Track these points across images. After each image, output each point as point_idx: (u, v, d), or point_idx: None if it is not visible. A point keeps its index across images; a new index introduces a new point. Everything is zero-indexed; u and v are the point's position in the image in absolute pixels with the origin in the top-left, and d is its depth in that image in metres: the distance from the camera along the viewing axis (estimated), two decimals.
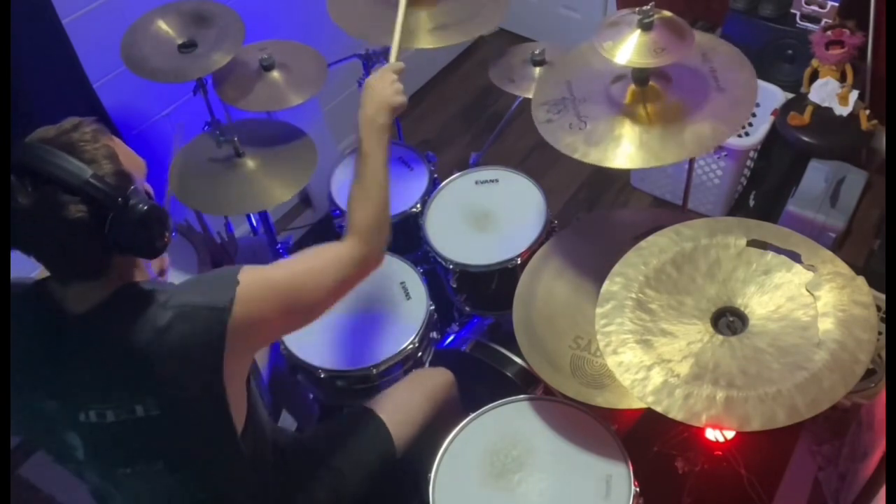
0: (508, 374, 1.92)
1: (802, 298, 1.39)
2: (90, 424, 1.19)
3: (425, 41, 2.01)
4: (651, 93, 1.67)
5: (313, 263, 1.34)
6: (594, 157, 1.60)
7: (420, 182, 2.22)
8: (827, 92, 2.34)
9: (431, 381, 1.80)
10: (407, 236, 2.17)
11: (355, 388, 1.82)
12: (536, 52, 2.17)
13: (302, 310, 1.30)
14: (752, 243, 1.48)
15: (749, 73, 1.68)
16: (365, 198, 1.40)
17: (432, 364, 1.94)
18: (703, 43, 1.75)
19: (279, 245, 2.39)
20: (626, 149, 1.60)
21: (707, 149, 1.62)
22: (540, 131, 1.67)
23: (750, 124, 2.67)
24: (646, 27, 1.57)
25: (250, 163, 2.03)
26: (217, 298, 1.17)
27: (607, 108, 1.68)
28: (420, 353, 1.89)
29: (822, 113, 2.33)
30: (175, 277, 1.92)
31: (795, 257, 1.44)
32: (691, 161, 1.92)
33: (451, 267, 2.01)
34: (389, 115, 1.47)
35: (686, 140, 1.58)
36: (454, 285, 2.06)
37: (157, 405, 1.16)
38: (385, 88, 1.48)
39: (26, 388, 1.19)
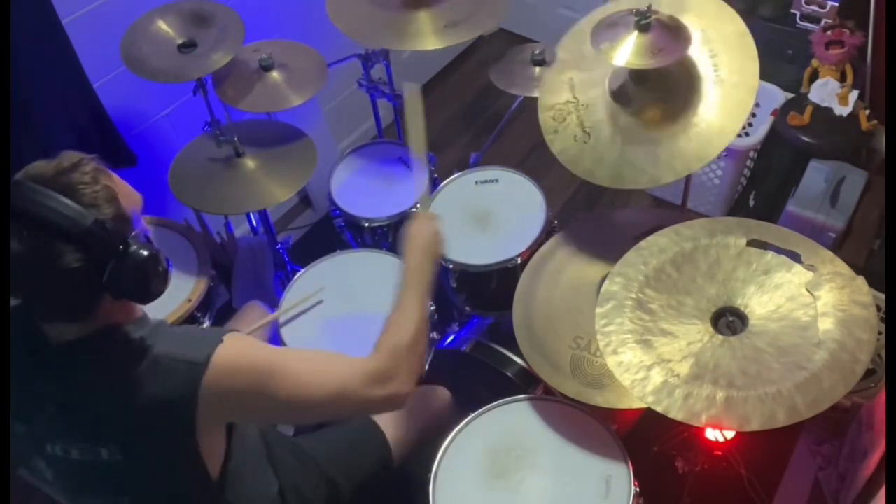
0: (508, 374, 1.92)
1: (802, 298, 1.39)
2: (56, 457, 1.17)
3: (431, 42, 2.02)
4: (652, 86, 1.67)
5: (317, 360, 1.26)
6: (600, 177, 1.65)
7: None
8: (827, 92, 2.34)
9: (431, 399, 1.81)
10: None
11: None
12: (536, 52, 2.17)
13: (283, 398, 1.18)
14: (752, 243, 1.48)
15: (750, 46, 1.65)
16: (400, 324, 1.33)
17: (432, 364, 1.94)
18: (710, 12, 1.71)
19: (279, 245, 2.39)
20: (629, 169, 1.63)
21: (711, 156, 1.63)
22: (549, 145, 1.70)
23: (750, 124, 2.66)
24: (643, 28, 1.57)
25: (250, 163, 2.03)
26: (196, 354, 1.13)
27: (609, 113, 1.67)
28: None
29: (822, 113, 2.32)
30: (175, 277, 1.92)
31: (795, 257, 1.44)
32: None
33: (451, 267, 2.01)
34: (436, 265, 1.48)
35: (687, 154, 1.59)
36: (454, 285, 2.06)
37: (120, 451, 1.14)
38: (428, 237, 1.48)
39: None
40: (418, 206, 1.58)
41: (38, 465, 1.22)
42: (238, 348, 1.17)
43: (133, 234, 1.11)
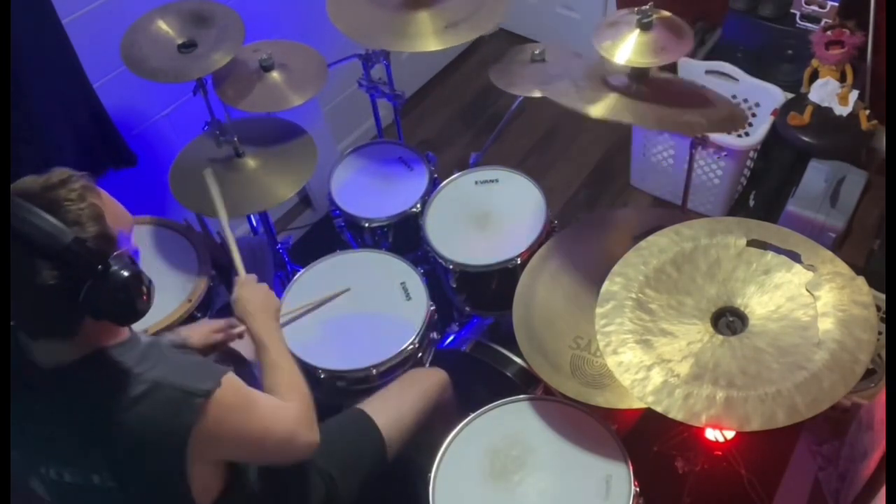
0: (508, 374, 1.92)
1: (802, 298, 1.39)
2: (51, 480, 1.17)
3: (433, 43, 2.02)
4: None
5: (273, 402, 1.31)
6: (584, 106, 1.58)
7: (420, 182, 2.22)
8: (827, 92, 2.34)
9: (425, 381, 1.79)
10: (407, 236, 2.18)
11: (355, 388, 1.82)
12: (536, 52, 2.17)
13: (255, 437, 1.24)
14: (752, 243, 1.48)
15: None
16: (293, 383, 1.37)
17: (432, 364, 1.94)
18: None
19: (279, 245, 2.39)
20: (613, 101, 1.58)
21: (699, 130, 1.61)
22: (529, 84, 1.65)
23: (750, 124, 2.67)
24: (645, 27, 1.57)
25: (250, 163, 2.03)
26: (196, 385, 1.13)
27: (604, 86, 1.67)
28: (420, 354, 1.89)
29: (822, 113, 2.32)
30: (175, 277, 1.93)
31: (795, 257, 1.44)
32: (691, 160, 1.92)
33: (450, 267, 2.01)
34: (276, 316, 1.52)
35: (683, 119, 1.57)
36: (454, 285, 2.06)
37: (112, 478, 1.14)
38: (260, 299, 1.51)
39: None
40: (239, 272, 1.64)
41: (36, 486, 1.22)
42: (235, 386, 1.20)
43: (116, 253, 1.09)
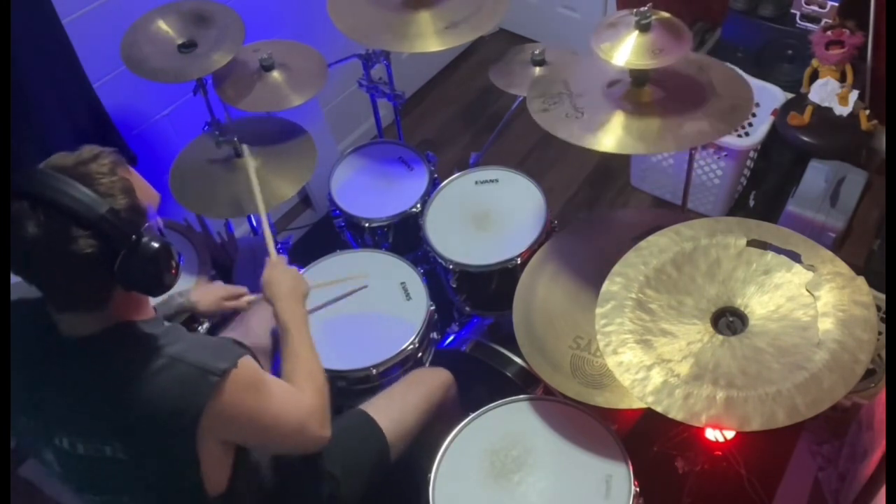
0: (508, 374, 1.92)
1: (802, 298, 1.39)
2: (63, 450, 1.19)
3: (434, 44, 2.02)
4: (647, 96, 1.67)
5: (287, 389, 1.32)
6: (589, 140, 1.60)
7: (420, 182, 2.22)
8: (827, 92, 2.34)
9: (428, 381, 1.79)
10: (407, 236, 2.18)
11: (355, 388, 1.82)
12: (536, 52, 2.17)
13: (266, 422, 1.24)
14: (752, 243, 1.48)
15: (747, 90, 1.69)
16: (311, 371, 1.39)
17: (432, 364, 1.94)
18: (698, 60, 1.76)
19: (279, 245, 2.39)
20: (621, 134, 1.59)
21: (703, 140, 1.62)
22: (535, 119, 1.67)
23: (750, 124, 2.67)
24: (643, 28, 1.57)
25: (250, 163, 2.03)
26: (214, 363, 1.15)
27: (604, 102, 1.67)
28: (420, 354, 1.89)
29: (822, 113, 2.32)
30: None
31: (795, 257, 1.44)
32: (691, 160, 1.92)
33: (451, 267, 2.01)
34: (304, 301, 1.55)
35: (683, 131, 1.58)
36: (454, 285, 2.06)
37: (123, 450, 1.15)
38: (289, 282, 1.54)
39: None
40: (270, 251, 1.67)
41: (48, 457, 1.23)
42: (251, 368, 1.21)
43: (146, 226, 1.14)
